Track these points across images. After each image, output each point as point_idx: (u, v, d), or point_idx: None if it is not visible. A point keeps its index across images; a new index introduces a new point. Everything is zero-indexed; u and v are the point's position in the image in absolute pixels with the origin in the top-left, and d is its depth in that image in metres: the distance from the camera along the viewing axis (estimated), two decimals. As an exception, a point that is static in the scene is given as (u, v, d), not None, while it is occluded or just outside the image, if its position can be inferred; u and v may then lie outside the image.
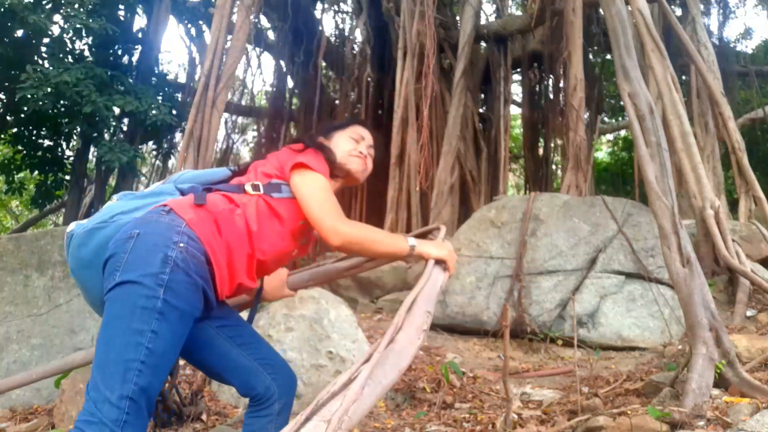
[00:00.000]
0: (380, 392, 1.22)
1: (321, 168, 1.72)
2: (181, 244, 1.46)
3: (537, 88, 11.57)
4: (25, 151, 9.22)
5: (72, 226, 1.65)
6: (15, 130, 9.31)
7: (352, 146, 1.89)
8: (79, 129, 8.43)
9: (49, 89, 7.18)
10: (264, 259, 1.67)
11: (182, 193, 1.70)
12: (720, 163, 8.07)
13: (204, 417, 3.10)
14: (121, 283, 1.41)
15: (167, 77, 11.00)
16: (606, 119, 15.06)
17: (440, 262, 1.73)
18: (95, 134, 8.38)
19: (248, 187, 1.67)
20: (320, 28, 10.42)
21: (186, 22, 10.94)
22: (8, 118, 9.08)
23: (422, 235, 2.14)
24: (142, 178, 13.13)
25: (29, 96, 7.14)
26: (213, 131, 6.25)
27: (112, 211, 1.59)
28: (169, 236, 1.46)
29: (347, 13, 12.48)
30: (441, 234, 1.95)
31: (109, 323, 1.42)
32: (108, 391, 1.34)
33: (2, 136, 9.40)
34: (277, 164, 1.74)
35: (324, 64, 11.66)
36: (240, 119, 14.47)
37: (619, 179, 15.15)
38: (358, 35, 11.50)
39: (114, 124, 8.81)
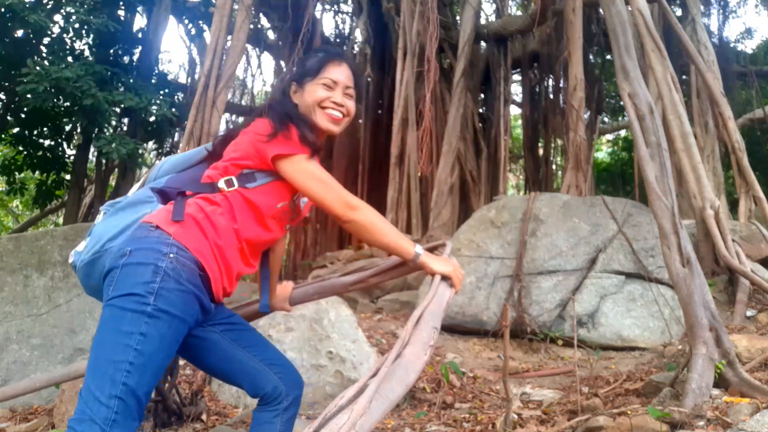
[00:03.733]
0: (387, 407, 1.22)
1: (301, 148, 1.66)
2: (171, 255, 1.51)
3: (537, 88, 11.57)
4: (25, 151, 9.21)
5: (71, 257, 1.71)
6: (16, 130, 9.31)
7: (323, 96, 1.75)
8: (79, 125, 8.43)
9: (49, 85, 7.17)
10: (256, 242, 1.71)
11: (161, 193, 1.72)
12: (720, 163, 8.07)
13: (204, 417, 3.11)
14: (115, 297, 1.48)
15: (167, 77, 11.00)
16: (606, 119, 15.06)
17: (446, 278, 1.72)
18: (96, 130, 8.37)
19: (222, 185, 1.67)
20: (320, 28, 10.43)
21: (186, 22, 10.93)
22: (9, 118, 9.09)
23: (429, 251, 2.14)
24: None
25: (29, 91, 7.13)
26: (213, 131, 6.24)
27: (101, 238, 1.63)
28: (158, 249, 1.51)
29: (347, 13, 12.48)
30: (447, 250, 1.94)
31: (100, 327, 1.49)
32: (98, 390, 1.39)
33: (3, 136, 9.40)
34: (252, 151, 1.68)
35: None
36: (240, 119, 14.47)
37: (619, 179, 15.16)
38: (358, 35, 11.50)
39: (114, 119, 8.81)
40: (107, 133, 8.08)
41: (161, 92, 9.12)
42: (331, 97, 1.76)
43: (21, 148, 9.24)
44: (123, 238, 1.59)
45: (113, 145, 7.62)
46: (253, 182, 1.68)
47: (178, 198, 1.67)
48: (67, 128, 9.13)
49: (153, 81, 9.35)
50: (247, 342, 1.79)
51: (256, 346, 1.79)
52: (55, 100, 7.63)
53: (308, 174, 1.66)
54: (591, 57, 11.12)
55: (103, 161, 9.68)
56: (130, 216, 1.65)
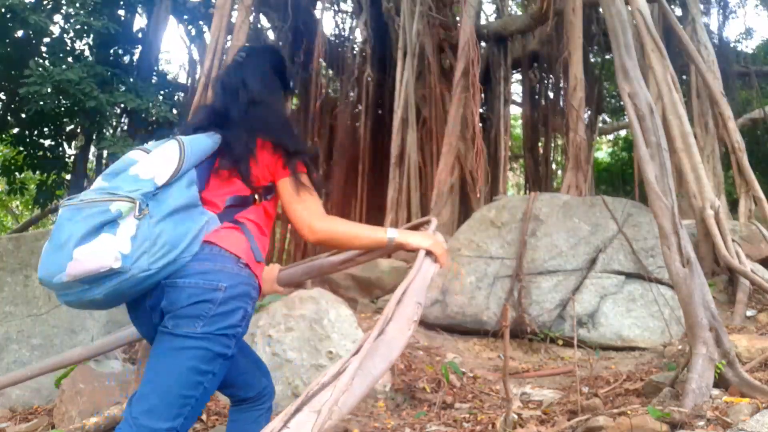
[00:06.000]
0: (370, 383, 1.23)
1: (305, 166, 1.72)
2: (254, 299, 1.58)
3: (537, 88, 11.57)
4: (26, 152, 9.21)
5: (116, 261, 1.35)
6: (16, 130, 9.31)
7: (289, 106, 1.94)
8: (81, 126, 8.44)
9: (51, 87, 7.18)
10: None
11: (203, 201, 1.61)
12: (720, 163, 8.06)
13: (204, 417, 3.11)
14: (204, 334, 1.46)
15: (167, 77, 11.00)
16: (606, 119, 15.06)
17: (430, 254, 1.74)
18: (97, 132, 8.39)
19: (256, 197, 1.70)
20: (320, 28, 10.42)
21: (186, 22, 10.94)
22: (9, 118, 9.09)
23: (414, 228, 2.15)
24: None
25: (31, 94, 7.13)
26: (213, 131, 6.24)
27: (174, 246, 1.44)
28: (248, 292, 1.55)
29: (347, 13, 12.48)
30: (432, 226, 1.95)
31: (176, 358, 1.45)
32: (161, 421, 1.42)
33: (3, 136, 9.40)
34: (271, 168, 1.69)
35: (324, 64, 11.66)
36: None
37: (619, 179, 15.15)
38: (358, 35, 11.50)
39: (115, 121, 8.82)
40: (108, 134, 8.08)
41: (161, 92, 9.13)
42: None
43: (21, 149, 9.24)
44: (192, 252, 1.47)
45: (116, 146, 7.64)
46: (269, 194, 1.72)
47: (242, 224, 1.64)
48: (68, 129, 9.14)
49: (153, 81, 9.36)
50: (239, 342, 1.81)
51: (244, 345, 1.81)
52: (56, 101, 7.64)
53: (303, 191, 1.68)
54: (591, 57, 11.12)
55: (103, 161, 9.68)
56: (192, 224, 1.51)
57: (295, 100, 12.89)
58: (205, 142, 1.64)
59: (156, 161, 1.51)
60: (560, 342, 4.73)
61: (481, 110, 10.62)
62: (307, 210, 1.67)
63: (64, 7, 8.16)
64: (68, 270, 1.34)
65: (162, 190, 1.47)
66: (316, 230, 1.66)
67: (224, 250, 1.54)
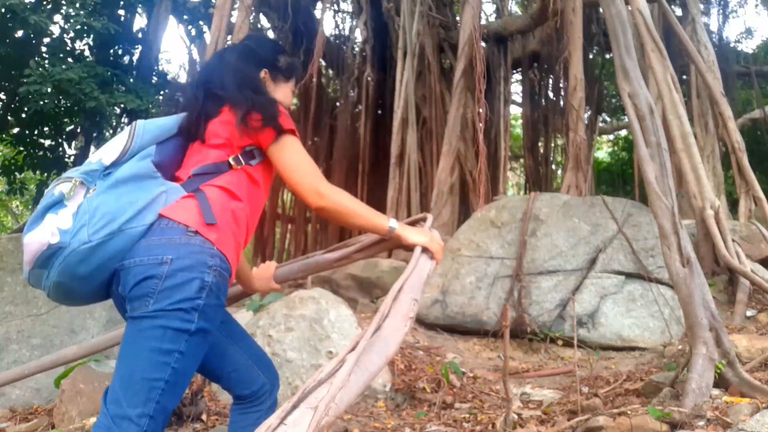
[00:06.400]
0: (367, 379, 1.23)
1: (293, 126, 1.65)
2: (215, 268, 1.46)
3: (537, 88, 11.56)
4: (26, 152, 9.21)
5: (53, 236, 1.37)
6: (16, 130, 9.31)
7: (291, 99, 1.89)
8: (81, 126, 8.44)
9: (51, 87, 7.18)
10: (254, 223, 1.68)
11: (160, 168, 1.57)
12: (720, 163, 8.07)
13: (204, 417, 3.11)
14: (155, 312, 1.39)
15: (167, 77, 11.00)
16: (606, 119, 15.07)
17: (426, 251, 1.69)
18: (97, 132, 8.39)
19: (232, 161, 1.60)
20: (320, 28, 10.42)
21: (186, 22, 10.94)
22: (9, 118, 9.08)
23: (410, 225, 2.14)
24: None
25: (31, 94, 7.13)
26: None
27: (114, 216, 1.42)
28: (203, 260, 1.44)
29: (347, 12, 12.48)
30: (428, 223, 1.95)
31: (136, 341, 1.41)
32: (130, 408, 1.36)
33: (3, 136, 9.40)
34: (235, 124, 1.61)
35: (324, 64, 11.66)
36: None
37: (619, 179, 15.16)
38: (358, 35, 11.50)
39: (115, 121, 8.82)
40: (107, 134, 8.09)
41: (161, 93, 9.13)
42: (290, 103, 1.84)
43: (21, 148, 9.24)
44: (143, 222, 1.44)
45: None
46: (254, 159, 1.63)
47: (199, 191, 1.55)
48: (68, 129, 9.14)
49: (153, 81, 9.36)
50: (237, 336, 1.75)
51: (243, 340, 1.76)
52: (56, 101, 7.64)
53: (296, 152, 1.61)
54: (591, 57, 11.12)
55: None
56: (142, 193, 1.48)
57: (295, 100, 12.90)
58: (164, 120, 1.66)
59: (107, 145, 1.55)
60: (560, 342, 4.73)
61: (480, 110, 10.63)
62: (309, 174, 1.59)
63: (64, 8, 8.16)
64: (24, 259, 1.39)
65: (113, 168, 1.50)
66: (324, 194, 1.57)
67: (172, 221, 1.47)
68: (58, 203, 1.42)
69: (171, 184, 1.56)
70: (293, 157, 1.60)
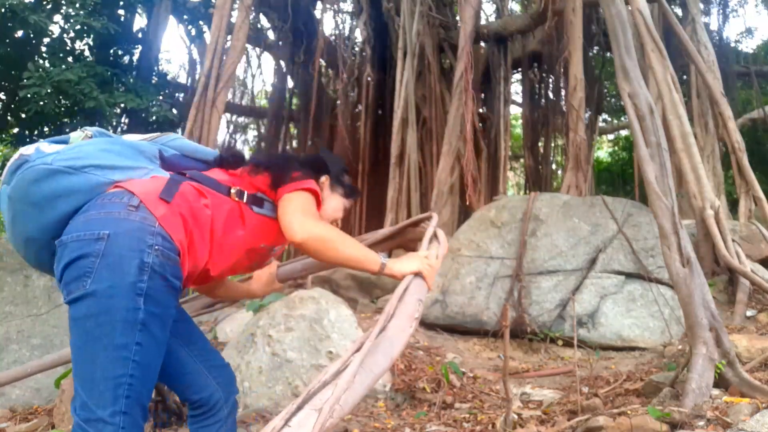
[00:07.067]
0: (372, 380, 1.22)
1: (314, 190, 1.63)
2: (156, 247, 1.35)
3: (537, 88, 11.57)
4: (25, 152, 9.21)
5: (30, 149, 1.42)
6: (16, 130, 9.31)
7: (339, 216, 1.83)
8: (80, 127, 8.45)
9: (50, 88, 7.18)
10: (210, 270, 1.54)
11: (163, 161, 1.60)
12: (720, 163, 8.07)
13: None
14: (93, 293, 1.30)
15: (167, 77, 11.00)
16: (607, 118, 15.06)
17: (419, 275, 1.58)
18: (96, 132, 8.39)
19: (233, 191, 1.57)
20: (320, 28, 10.43)
21: (186, 22, 10.94)
22: (9, 118, 9.08)
23: (414, 224, 2.16)
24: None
25: (31, 95, 7.13)
26: (213, 131, 6.25)
27: (86, 157, 1.42)
28: (142, 238, 1.34)
29: (347, 12, 12.48)
30: (433, 222, 1.94)
31: (89, 340, 1.33)
32: (100, 409, 1.30)
33: (3, 136, 9.40)
34: (270, 184, 1.63)
35: (324, 64, 11.66)
36: (240, 119, 14.48)
37: (619, 179, 15.15)
38: (358, 35, 11.50)
39: (115, 121, 8.82)
40: (107, 134, 8.08)
41: (161, 93, 9.13)
42: (339, 219, 1.83)
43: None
44: (108, 176, 1.42)
45: None
46: (259, 209, 1.61)
47: (175, 175, 1.52)
48: (68, 129, 9.13)
49: (153, 81, 9.36)
50: (190, 338, 1.67)
51: (196, 343, 1.68)
52: (56, 101, 7.64)
53: (298, 199, 1.57)
54: (591, 57, 11.12)
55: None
56: (125, 159, 1.48)
57: (295, 100, 12.90)
58: (202, 147, 1.80)
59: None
60: (560, 342, 4.73)
61: (481, 110, 10.63)
62: (293, 212, 1.51)
63: (64, 7, 8.16)
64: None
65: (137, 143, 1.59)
66: (300, 230, 1.47)
67: (121, 191, 1.41)
68: (63, 142, 1.50)
69: (161, 170, 1.55)
70: (292, 200, 1.56)
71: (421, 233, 1.99)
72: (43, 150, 1.42)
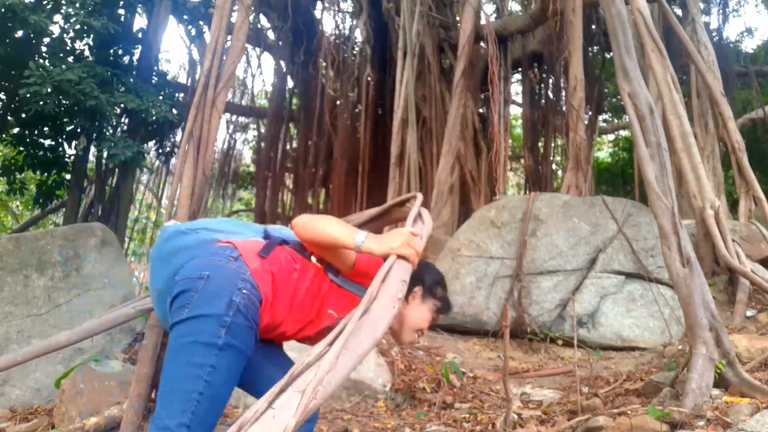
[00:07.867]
0: (355, 361, 1.23)
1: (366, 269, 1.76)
2: (245, 291, 1.58)
3: (537, 88, 11.56)
4: (26, 152, 9.21)
5: (171, 222, 1.86)
6: (16, 130, 9.30)
7: (425, 327, 1.92)
8: (81, 126, 8.43)
9: (51, 87, 7.17)
10: (283, 326, 1.72)
11: (266, 235, 1.82)
12: (720, 163, 8.06)
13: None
14: (188, 319, 1.54)
15: (167, 77, 10.99)
16: (607, 119, 15.06)
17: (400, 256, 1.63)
18: (97, 132, 8.38)
19: (313, 258, 1.78)
20: (320, 27, 10.43)
21: (186, 22, 10.93)
22: (9, 118, 9.08)
23: (400, 204, 2.18)
24: (143, 178, 13.12)
25: (31, 94, 7.13)
26: (213, 131, 6.22)
27: (202, 223, 1.79)
28: (235, 282, 1.58)
29: (347, 12, 12.48)
30: (417, 202, 1.96)
31: (173, 356, 1.55)
32: (168, 418, 1.48)
33: (3, 136, 9.39)
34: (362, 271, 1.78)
35: (324, 64, 11.66)
36: (240, 119, 14.48)
37: (619, 179, 15.14)
38: (358, 35, 11.50)
39: (115, 121, 8.81)
40: (107, 134, 8.09)
41: (161, 93, 9.12)
42: (424, 330, 1.93)
43: (21, 148, 9.23)
44: (214, 236, 1.74)
45: (118, 147, 7.63)
46: (335, 277, 1.77)
47: (275, 239, 1.78)
48: (68, 129, 9.13)
49: (153, 81, 9.35)
50: (277, 359, 1.85)
51: (284, 366, 1.80)
52: (56, 101, 7.63)
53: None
54: (591, 57, 11.12)
55: (104, 162, 9.68)
56: (235, 228, 1.82)
57: (295, 100, 12.90)
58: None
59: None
60: (560, 342, 4.73)
61: (481, 110, 10.64)
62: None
63: (64, 7, 8.15)
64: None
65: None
66: (295, 223, 1.74)
67: (227, 245, 1.69)
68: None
69: (262, 239, 1.80)
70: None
71: (407, 213, 2.02)
72: (179, 223, 1.82)
